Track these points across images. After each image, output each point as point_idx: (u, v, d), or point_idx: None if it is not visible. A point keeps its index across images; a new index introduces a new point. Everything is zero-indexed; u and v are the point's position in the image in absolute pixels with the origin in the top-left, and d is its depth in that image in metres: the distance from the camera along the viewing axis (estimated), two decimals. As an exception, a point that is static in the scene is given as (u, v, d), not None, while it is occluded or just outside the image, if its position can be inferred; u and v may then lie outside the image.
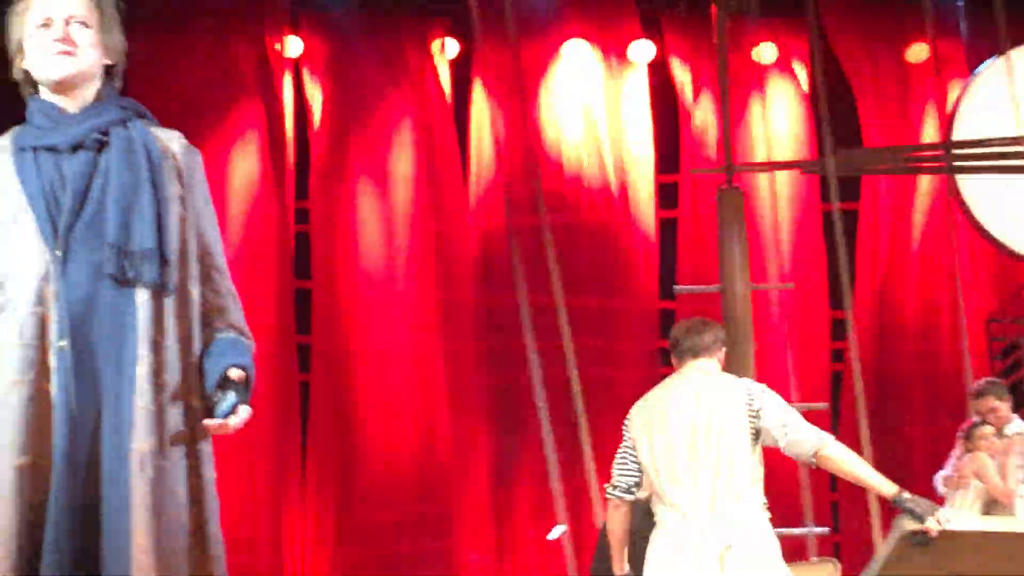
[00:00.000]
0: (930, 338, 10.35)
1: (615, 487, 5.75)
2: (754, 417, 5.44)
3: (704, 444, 5.47)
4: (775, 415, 5.44)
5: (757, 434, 5.45)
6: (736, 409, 5.47)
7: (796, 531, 8.10)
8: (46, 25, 3.32)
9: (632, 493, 5.73)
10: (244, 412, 3.25)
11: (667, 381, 5.79)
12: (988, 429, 7.68)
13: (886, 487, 5.33)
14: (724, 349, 5.77)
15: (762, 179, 9.84)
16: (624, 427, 5.75)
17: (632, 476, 5.69)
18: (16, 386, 3.15)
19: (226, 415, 3.24)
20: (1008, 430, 7.72)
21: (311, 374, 9.99)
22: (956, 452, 7.91)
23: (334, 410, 9.91)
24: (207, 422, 3.26)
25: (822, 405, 8.59)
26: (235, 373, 3.27)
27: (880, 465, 9.99)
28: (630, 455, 5.69)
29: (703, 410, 5.52)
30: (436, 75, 10.26)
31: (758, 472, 5.48)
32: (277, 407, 9.63)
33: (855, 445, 10.02)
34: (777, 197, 10.09)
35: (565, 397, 9.54)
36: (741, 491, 5.38)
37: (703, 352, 5.69)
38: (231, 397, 3.25)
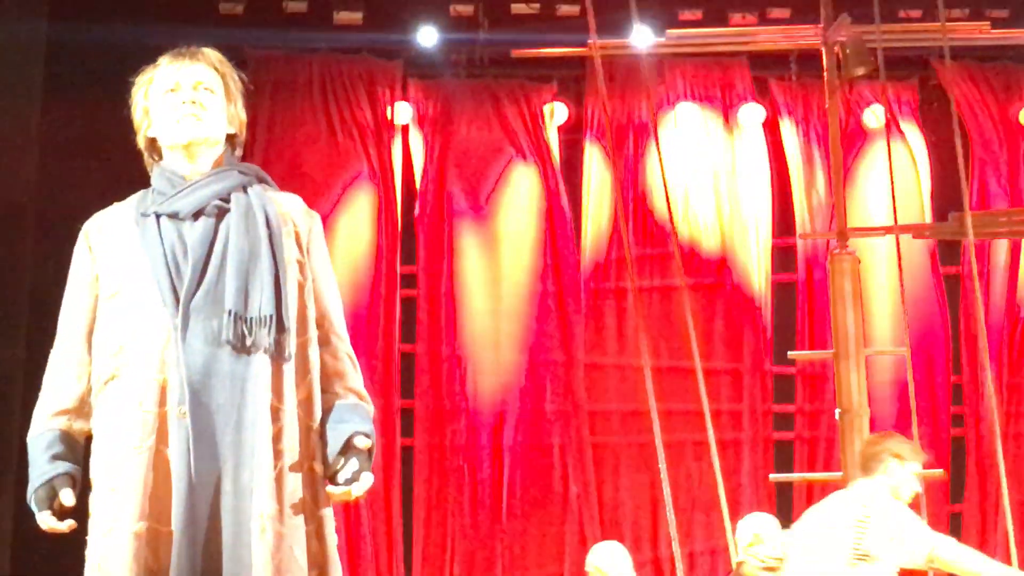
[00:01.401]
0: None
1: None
2: (861, 525, 5.62)
3: (807, 542, 5.79)
4: (882, 529, 5.62)
5: (862, 540, 5.64)
6: (846, 515, 5.69)
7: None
8: (174, 90, 3.37)
9: None
10: (367, 480, 3.23)
11: None
12: None
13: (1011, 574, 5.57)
14: (889, 464, 5.82)
15: (880, 243, 9.71)
16: None
17: None
18: (135, 452, 3.15)
19: (349, 482, 3.22)
20: None
21: (414, 438, 9.99)
22: None
23: (437, 476, 9.89)
24: (331, 489, 3.24)
25: (939, 472, 8.42)
26: (361, 442, 3.25)
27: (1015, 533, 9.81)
28: None
29: (816, 514, 5.86)
30: (545, 139, 10.29)
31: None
32: (380, 471, 9.65)
33: (985, 511, 9.87)
34: (895, 261, 9.96)
35: (680, 458, 9.48)
36: None
37: (863, 471, 5.87)
38: (354, 464, 3.23)
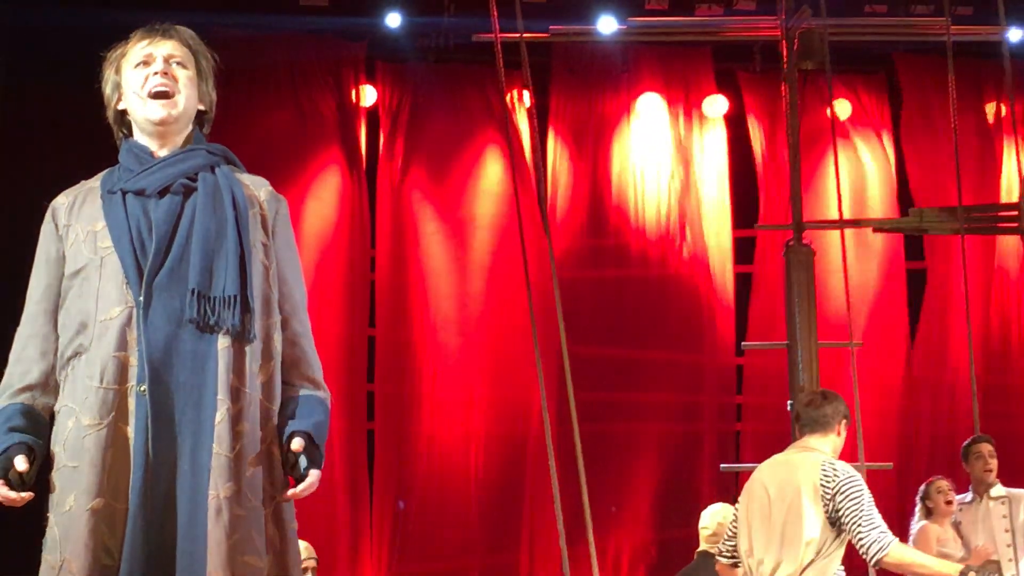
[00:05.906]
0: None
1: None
2: (828, 499, 5.48)
3: (772, 516, 5.57)
4: (845, 507, 5.47)
5: (834, 514, 5.49)
6: (808, 485, 5.52)
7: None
8: (146, 63, 3.36)
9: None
10: (312, 478, 3.22)
11: (780, 454, 5.86)
12: None
13: (950, 569, 5.41)
14: (844, 422, 5.76)
15: (844, 236, 9.75)
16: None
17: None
18: (93, 429, 3.14)
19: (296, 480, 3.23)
20: None
21: (376, 422, 9.98)
22: None
23: (398, 461, 9.88)
24: (291, 492, 3.23)
25: (887, 465, 8.51)
26: (296, 444, 3.22)
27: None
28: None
29: (778, 484, 5.61)
30: (513, 125, 10.27)
31: (831, 547, 5.51)
32: (346, 454, 9.63)
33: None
34: (861, 255, 10.00)
35: (640, 448, 9.49)
36: (802, 562, 5.45)
37: (817, 428, 5.72)
38: (302, 462, 3.22)
